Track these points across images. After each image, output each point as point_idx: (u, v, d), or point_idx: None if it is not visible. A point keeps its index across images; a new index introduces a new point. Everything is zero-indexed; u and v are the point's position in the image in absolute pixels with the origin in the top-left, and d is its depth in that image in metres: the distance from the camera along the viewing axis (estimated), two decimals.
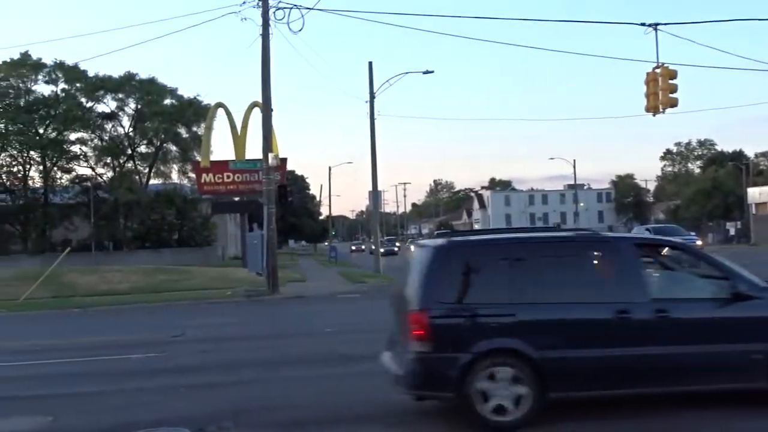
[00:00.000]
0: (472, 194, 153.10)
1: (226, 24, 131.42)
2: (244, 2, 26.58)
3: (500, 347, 7.34)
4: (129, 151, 61.67)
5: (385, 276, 35.46)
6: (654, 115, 22.00)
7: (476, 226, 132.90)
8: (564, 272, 7.74)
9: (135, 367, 12.28)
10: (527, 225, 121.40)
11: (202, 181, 44.92)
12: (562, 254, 7.90)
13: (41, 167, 59.41)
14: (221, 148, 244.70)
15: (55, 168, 60.06)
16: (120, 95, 59.92)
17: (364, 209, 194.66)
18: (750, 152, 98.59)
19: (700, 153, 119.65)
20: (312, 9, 25.99)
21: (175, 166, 63.32)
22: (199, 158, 49.78)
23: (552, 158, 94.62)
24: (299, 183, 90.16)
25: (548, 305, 7.53)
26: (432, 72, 40.87)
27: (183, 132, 61.44)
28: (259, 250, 28.17)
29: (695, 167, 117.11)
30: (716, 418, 7.54)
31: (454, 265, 7.58)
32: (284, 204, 30.56)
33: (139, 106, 60.58)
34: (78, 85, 58.56)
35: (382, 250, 67.81)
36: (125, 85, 59.26)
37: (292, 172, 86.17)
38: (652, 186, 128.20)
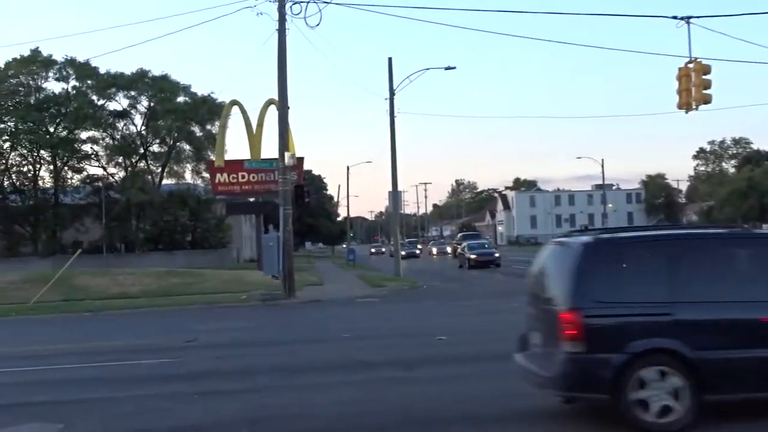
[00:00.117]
0: (496, 195, 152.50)
1: (242, 19, 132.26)
2: None
3: (656, 347, 7.35)
4: (141, 150, 62.03)
5: (406, 279, 35.43)
6: (686, 113, 21.84)
7: (500, 228, 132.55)
8: (722, 269, 7.76)
9: (147, 372, 12.34)
10: (553, 227, 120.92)
11: (217, 181, 45.15)
12: (720, 251, 7.92)
13: (52, 167, 59.89)
14: (236, 147, 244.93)
15: (66, 168, 60.51)
16: (132, 93, 60.28)
17: (383, 210, 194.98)
18: None
19: (734, 152, 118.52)
20: (330, 3, 25.97)
21: (189, 166, 63.62)
22: (213, 157, 50.04)
23: (579, 157, 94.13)
24: (316, 183, 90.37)
25: (705, 304, 7.53)
26: (454, 68, 40.65)
27: (197, 130, 61.74)
28: (274, 253, 28.27)
29: (730, 166, 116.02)
30: None
31: (606, 262, 7.60)
32: (301, 205, 30.63)
33: (151, 104, 60.93)
34: (89, 82, 59.01)
35: (403, 252, 68.00)
36: (137, 82, 59.62)
37: (309, 171, 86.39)
38: (684, 186, 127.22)
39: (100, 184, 59.69)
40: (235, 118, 51.22)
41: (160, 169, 62.75)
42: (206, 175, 56.88)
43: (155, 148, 63.23)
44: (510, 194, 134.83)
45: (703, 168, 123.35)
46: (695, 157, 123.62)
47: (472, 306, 22.09)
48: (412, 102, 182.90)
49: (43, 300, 27.65)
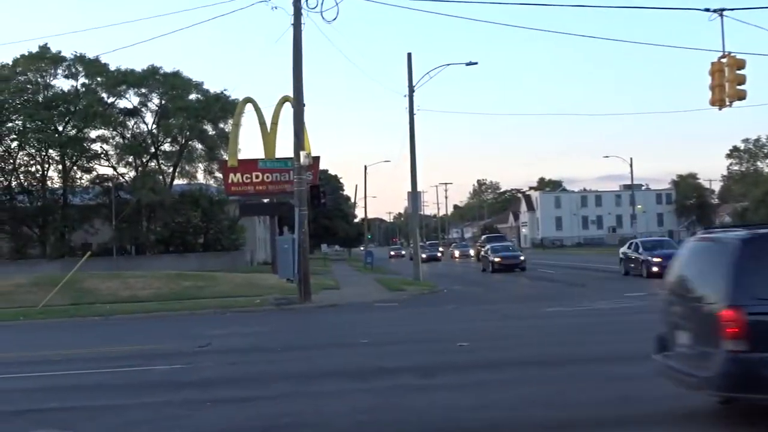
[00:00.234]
0: (519, 195, 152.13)
1: (256, 14, 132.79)
2: None
3: None
4: (152, 150, 62.40)
5: (426, 283, 35.40)
6: (720, 109, 21.70)
7: (524, 230, 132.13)
8: None
9: (158, 378, 12.41)
10: (579, 229, 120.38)
11: (230, 181, 45.32)
12: None
13: (60, 167, 60.35)
14: (250, 146, 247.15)
15: (75, 167, 60.95)
16: (143, 90, 60.67)
17: (402, 211, 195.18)
18: None
19: None
20: None
21: (201, 166, 63.98)
22: (226, 157, 50.25)
23: (606, 156, 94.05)
24: (333, 183, 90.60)
25: None
26: (476, 63, 40.59)
27: (209, 129, 62.05)
28: (289, 255, 28.31)
29: (765, 166, 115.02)
30: None
31: (765, 258, 7.52)
32: (317, 206, 30.70)
33: (162, 102, 61.30)
34: (99, 79, 59.43)
35: (423, 255, 67.92)
36: (148, 79, 59.97)
37: (325, 171, 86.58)
38: (716, 186, 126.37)
39: (110, 184, 60.10)
40: (248, 116, 51.67)
41: (171, 169, 63.09)
42: (219, 175, 57.14)
43: (166, 147, 63.63)
44: (534, 195, 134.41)
45: (736, 167, 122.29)
46: (728, 156, 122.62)
47: (495, 311, 22.03)
48: (432, 99, 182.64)
49: (52, 304, 27.88)
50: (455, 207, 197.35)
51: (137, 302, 28.94)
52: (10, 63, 58.44)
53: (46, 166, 60.57)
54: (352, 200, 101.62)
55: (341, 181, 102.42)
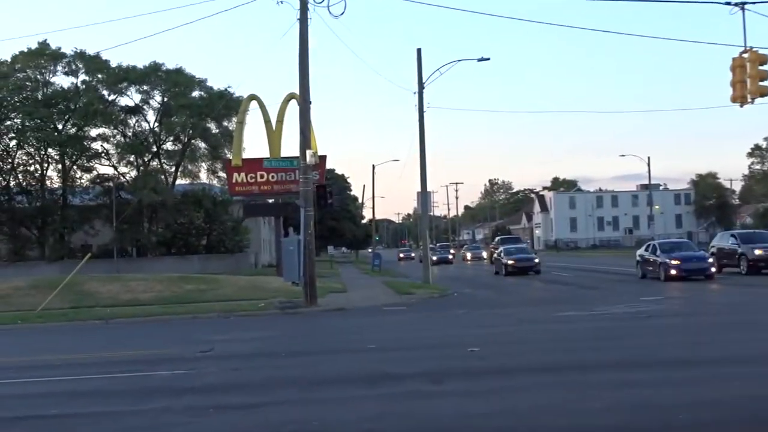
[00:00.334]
0: (533, 195, 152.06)
1: (261, 9, 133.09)
2: None
3: None
4: (154, 149, 62.60)
5: (436, 286, 35.36)
6: (741, 106, 21.59)
7: (537, 232, 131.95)
8: None
9: (159, 384, 12.42)
10: (594, 230, 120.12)
11: (234, 180, 45.41)
12: None
13: (60, 166, 60.62)
14: (254, 145, 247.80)
15: (75, 167, 61.21)
16: (145, 87, 60.90)
17: (411, 212, 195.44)
18: None
19: None
20: None
21: (204, 165, 64.19)
22: (230, 156, 50.34)
23: (623, 155, 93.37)
24: (340, 183, 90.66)
25: None
26: (488, 59, 40.53)
27: (213, 127, 62.23)
28: (295, 257, 28.36)
29: None
30: None
31: None
32: (323, 206, 30.72)
33: (165, 99, 61.51)
34: (99, 76, 59.70)
35: (433, 258, 67.88)
36: (150, 76, 60.19)
37: (332, 170, 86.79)
38: (737, 186, 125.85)
39: (111, 184, 60.34)
40: (253, 114, 51.68)
41: (173, 169, 63.29)
42: (223, 174, 57.37)
43: (169, 145, 63.86)
44: (548, 195, 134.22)
45: (758, 166, 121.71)
46: (750, 154, 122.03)
47: (506, 315, 22.00)
48: (443, 96, 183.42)
49: (51, 307, 27.96)
50: (466, 208, 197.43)
51: (138, 306, 29.01)
52: (9, 60, 58.82)
53: (46, 165, 60.87)
54: (360, 201, 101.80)
55: (348, 180, 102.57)
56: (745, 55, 21.16)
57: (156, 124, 62.63)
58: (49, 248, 59.31)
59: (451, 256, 77.95)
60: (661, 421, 8.45)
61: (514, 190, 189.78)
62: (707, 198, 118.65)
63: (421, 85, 38.77)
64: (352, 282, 42.90)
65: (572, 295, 28.89)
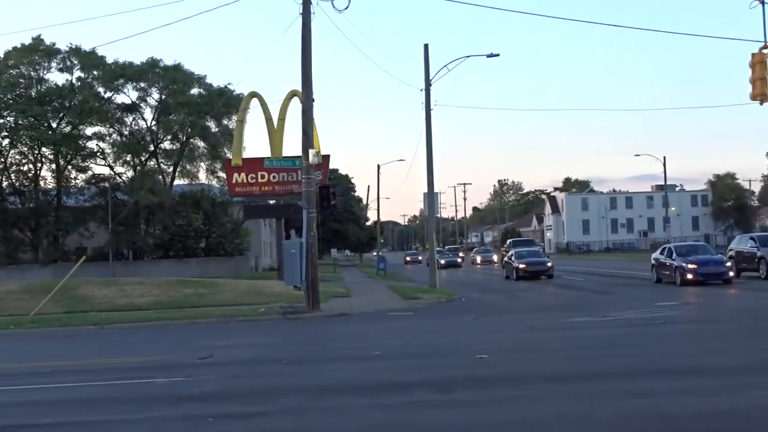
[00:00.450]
0: (544, 197, 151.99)
1: (262, 3, 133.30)
2: None
3: None
4: (151, 148, 62.69)
5: (443, 291, 35.37)
6: (761, 104, 21.61)
7: (548, 234, 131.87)
8: None
9: (157, 392, 12.44)
10: (608, 232, 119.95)
11: (234, 181, 45.45)
12: None
13: (54, 166, 60.71)
14: (255, 144, 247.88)
15: (69, 167, 61.29)
16: (142, 84, 60.99)
17: (417, 214, 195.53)
18: None
19: None
20: None
21: (203, 165, 64.20)
22: (229, 155, 50.40)
23: (638, 155, 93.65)
24: (343, 183, 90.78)
25: None
26: (497, 55, 40.50)
27: (212, 126, 62.26)
28: (297, 261, 28.35)
29: None
30: None
31: None
32: (326, 208, 30.72)
33: (163, 97, 61.59)
34: (95, 73, 59.81)
35: (442, 261, 67.69)
36: (148, 72, 60.29)
37: (336, 171, 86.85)
38: (756, 187, 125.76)
39: (107, 184, 60.44)
40: (254, 112, 51.63)
41: (171, 169, 63.36)
42: (222, 174, 57.41)
43: (167, 145, 63.94)
44: (560, 196, 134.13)
45: None
46: None
47: (516, 321, 22.00)
48: (451, 93, 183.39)
49: (44, 312, 28.01)
50: (474, 209, 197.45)
51: (135, 311, 29.05)
52: (2, 56, 58.91)
53: (39, 165, 60.97)
54: (364, 202, 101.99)
55: (353, 181, 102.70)
56: (765, 51, 21.14)
57: (153, 123, 62.75)
58: (43, 251, 59.43)
59: (460, 260, 77.60)
60: None
61: (525, 191, 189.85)
62: (725, 199, 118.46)
63: (428, 82, 38.78)
64: (356, 286, 42.90)
65: (584, 300, 28.87)
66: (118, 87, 60.80)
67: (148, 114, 62.95)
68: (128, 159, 62.16)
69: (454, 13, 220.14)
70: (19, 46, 58.38)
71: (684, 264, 33.01)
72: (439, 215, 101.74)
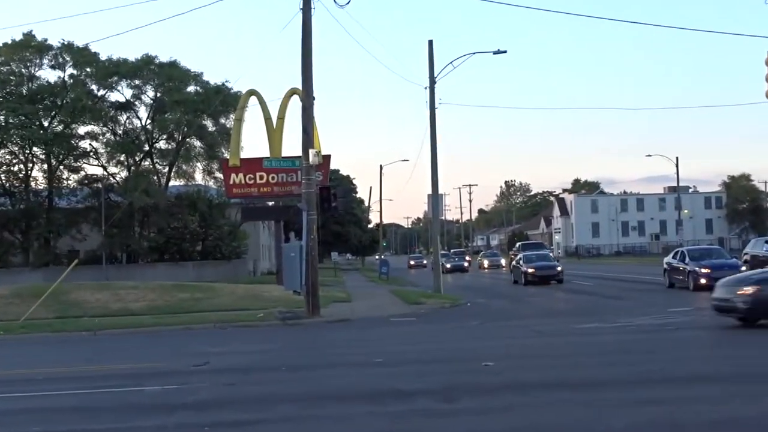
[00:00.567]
0: (552, 198, 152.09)
1: None
2: None
3: None
4: (146, 147, 62.75)
5: (448, 296, 35.35)
6: None
7: (556, 237, 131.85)
8: None
9: (150, 400, 12.43)
10: (618, 236, 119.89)
11: (231, 182, 45.49)
12: None
13: (45, 166, 60.81)
14: (254, 144, 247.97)
15: (61, 167, 61.37)
16: (136, 81, 61.07)
17: (421, 216, 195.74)
18: None
19: None
20: None
21: (200, 165, 64.29)
22: (227, 155, 50.49)
23: (649, 155, 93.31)
24: (345, 184, 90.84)
25: None
26: (504, 52, 40.53)
27: (209, 125, 62.36)
28: (296, 264, 28.36)
29: None
30: None
31: None
32: (327, 209, 30.73)
33: (158, 95, 61.68)
34: (88, 70, 59.88)
35: (448, 265, 67.59)
36: (143, 69, 60.37)
37: (337, 171, 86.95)
38: None
39: (100, 185, 60.48)
40: (252, 111, 51.77)
41: (167, 169, 63.45)
42: (219, 175, 57.45)
43: (162, 144, 64.07)
44: (568, 198, 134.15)
45: None
46: None
47: (524, 327, 21.96)
48: (456, 92, 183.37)
49: (35, 317, 28.03)
50: (480, 211, 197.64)
51: (128, 316, 29.09)
52: None
53: (30, 165, 61.04)
54: (366, 203, 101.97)
55: (354, 182, 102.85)
56: None
57: (148, 122, 62.84)
58: (34, 254, 59.49)
59: (467, 264, 77.42)
60: None
61: (532, 193, 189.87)
62: (740, 201, 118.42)
63: (432, 80, 38.78)
64: (357, 291, 42.90)
65: (594, 305, 28.84)
66: (112, 84, 60.87)
67: (143, 112, 63.14)
68: (122, 159, 62.22)
69: (459, 8, 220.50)
70: (9, 42, 58.49)
71: (697, 268, 32.96)
72: (443, 217, 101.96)
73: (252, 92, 46.65)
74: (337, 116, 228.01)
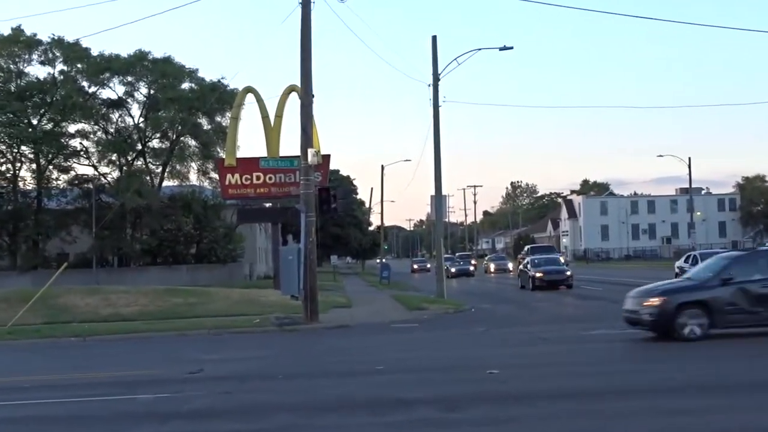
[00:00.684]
0: (560, 200, 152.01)
1: None
2: None
3: None
4: (139, 146, 62.68)
5: (451, 301, 35.35)
6: None
7: (564, 240, 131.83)
8: None
9: (143, 409, 12.45)
10: (628, 239, 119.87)
11: (227, 182, 45.43)
12: None
13: (34, 165, 60.72)
14: (250, 143, 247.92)
15: (51, 166, 61.27)
16: (129, 78, 61.00)
17: (424, 218, 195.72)
18: None
19: None
20: None
21: (194, 165, 64.16)
22: (222, 155, 50.42)
23: (661, 155, 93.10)
24: (345, 185, 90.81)
25: None
26: (511, 48, 40.50)
27: (204, 123, 62.26)
28: (294, 268, 28.34)
29: None
30: None
31: None
32: (326, 211, 30.73)
33: (151, 92, 61.63)
34: (79, 66, 59.83)
35: (453, 269, 67.48)
36: (135, 65, 60.30)
37: (336, 171, 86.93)
38: None
39: (90, 186, 60.40)
40: (249, 109, 51.74)
41: (160, 169, 63.37)
42: (214, 175, 57.45)
43: (155, 143, 63.94)
44: (577, 199, 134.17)
45: None
46: None
47: (530, 333, 21.96)
48: (461, 89, 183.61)
49: (23, 322, 28.01)
50: (485, 213, 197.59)
51: (120, 321, 29.07)
52: None
53: (18, 164, 60.92)
54: (367, 205, 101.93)
55: (355, 183, 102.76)
56: None
57: (141, 120, 62.75)
58: (22, 257, 59.46)
59: (472, 268, 77.23)
60: None
61: (539, 194, 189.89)
62: (755, 203, 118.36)
63: (436, 77, 38.80)
64: (357, 296, 42.90)
65: (603, 311, 28.83)
66: (104, 81, 60.80)
67: (136, 110, 63.02)
68: (114, 158, 62.08)
69: (463, 3, 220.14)
70: None
71: None
72: (447, 220, 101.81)
73: (249, 89, 46.60)
74: (337, 114, 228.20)
